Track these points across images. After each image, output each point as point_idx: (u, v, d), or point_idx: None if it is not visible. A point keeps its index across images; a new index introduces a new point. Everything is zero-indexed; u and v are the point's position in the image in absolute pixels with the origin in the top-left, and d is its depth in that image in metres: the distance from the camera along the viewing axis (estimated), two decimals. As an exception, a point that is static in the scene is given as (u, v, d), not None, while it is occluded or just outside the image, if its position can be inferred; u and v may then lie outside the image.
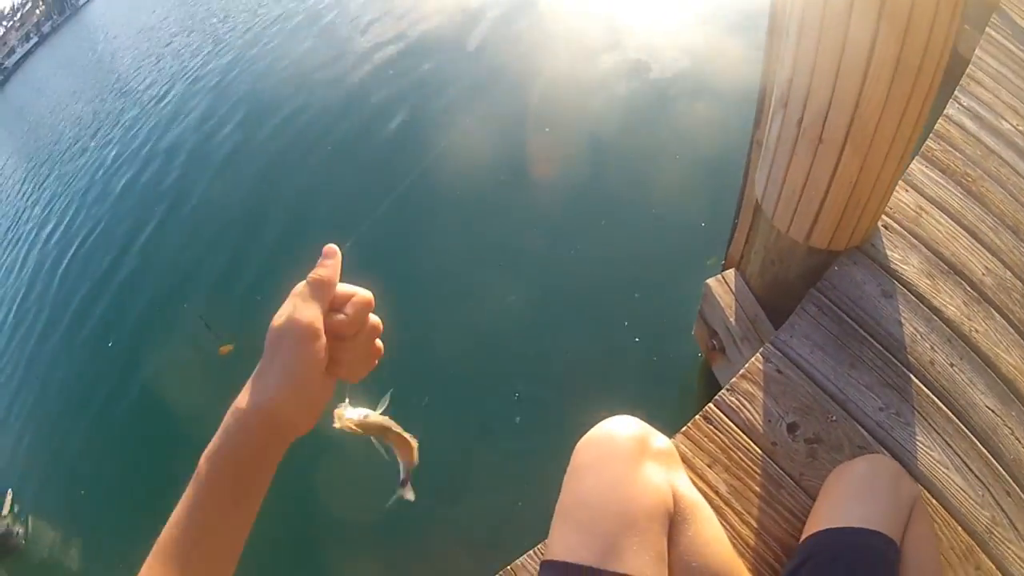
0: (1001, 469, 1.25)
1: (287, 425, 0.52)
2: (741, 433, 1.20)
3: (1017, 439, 1.31)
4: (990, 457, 1.24)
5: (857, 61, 1.04)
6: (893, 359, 1.31)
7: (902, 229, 1.50)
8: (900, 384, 1.29)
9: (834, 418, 1.24)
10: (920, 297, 1.40)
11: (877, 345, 1.32)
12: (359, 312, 0.55)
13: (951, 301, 1.43)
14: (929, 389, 1.30)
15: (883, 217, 1.50)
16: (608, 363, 2.39)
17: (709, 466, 1.15)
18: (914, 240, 1.48)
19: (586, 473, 0.86)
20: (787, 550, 1.07)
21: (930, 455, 1.24)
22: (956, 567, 1.09)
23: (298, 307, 0.52)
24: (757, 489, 1.13)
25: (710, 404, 1.22)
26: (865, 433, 1.21)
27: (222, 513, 0.51)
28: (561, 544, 0.81)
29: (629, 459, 0.86)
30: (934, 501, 1.17)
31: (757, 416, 1.21)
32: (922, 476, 1.20)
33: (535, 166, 3.43)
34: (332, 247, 0.55)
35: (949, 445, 1.24)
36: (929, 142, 1.72)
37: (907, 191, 1.57)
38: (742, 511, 1.10)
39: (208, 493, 0.51)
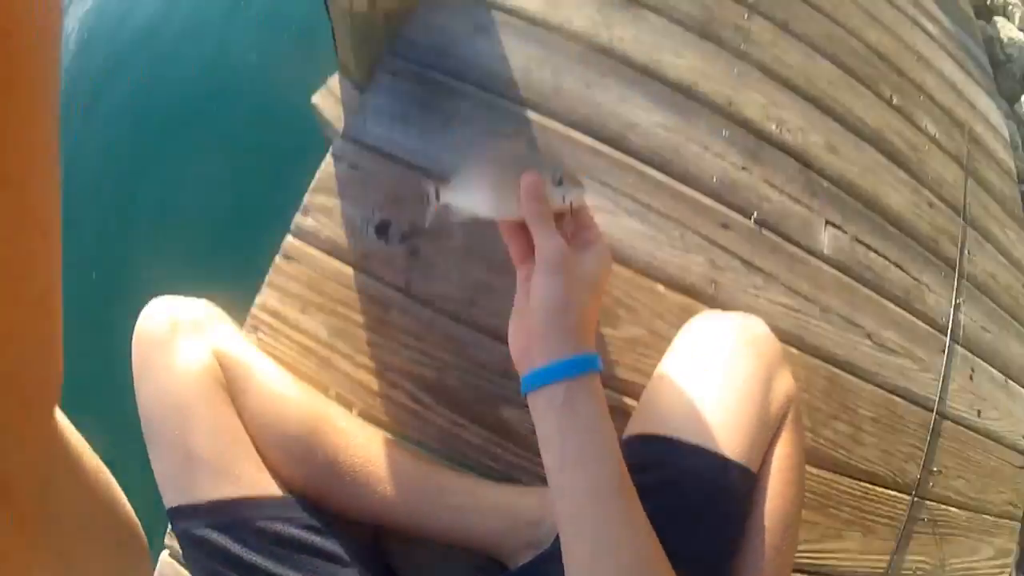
0: (698, 195, 1.07)
1: None
2: (327, 257, 0.93)
3: (706, 149, 1.11)
4: (679, 186, 1.06)
5: None
6: (501, 99, 1.04)
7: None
8: (515, 127, 1.03)
9: (434, 194, 0.95)
10: (531, 19, 1.12)
11: (474, 90, 1.04)
12: None
13: (579, 13, 1.15)
14: (560, 122, 1.04)
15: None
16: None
17: (303, 312, 0.90)
18: (515, -36, 1.24)
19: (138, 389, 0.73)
20: (417, 379, 0.88)
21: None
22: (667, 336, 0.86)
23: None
24: (361, 319, 0.90)
25: (287, 236, 0.95)
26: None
27: None
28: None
29: (161, 349, 0.72)
30: (629, 271, 0.98)
31: (340, 230, 0.94)
32: (614, 237, 0.99)
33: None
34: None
35: (610, 185, 1.02)
36: None
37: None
38: (352, 352, 0.88)
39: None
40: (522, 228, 0.53)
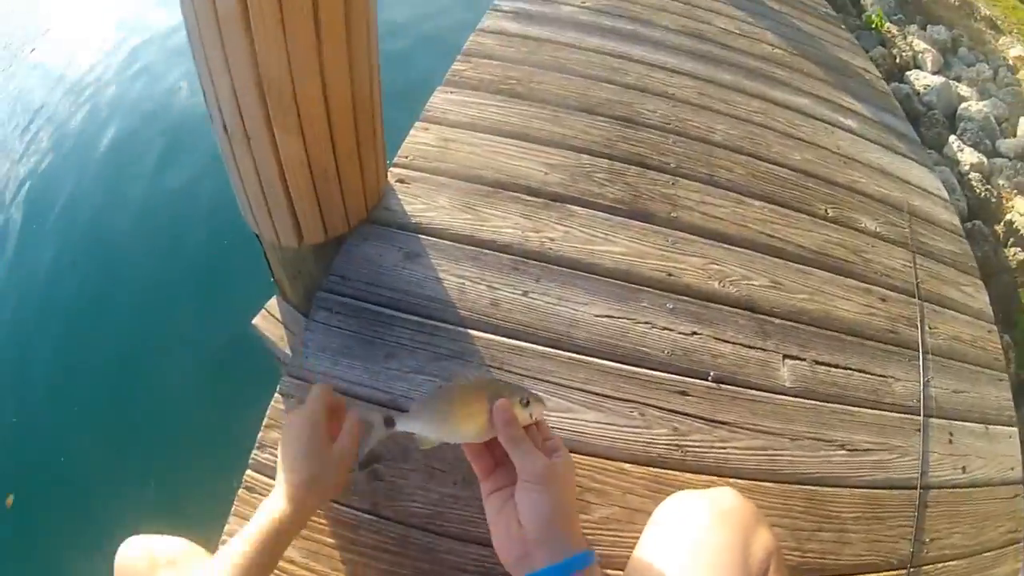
0: (651, 372, 1.10)
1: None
2: (289, 488, 0.94)
3: (652, 326, 1.16)
4: (630, 368, 1.09)
5: (234, 27, 0.82)
6: (440, 324, 1.09)
7: (423, 173, 1.30)
8: (459, 348, 1.07)
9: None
10: (458, 238, 1.19)
11: (413, 318, 1.09)
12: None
13: (505, 223, 1.23)
14: (502, 335, 1.10)
15: (394, 171, 1.29)
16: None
17: (273, 537, 0.89)
18: (441, 179, 1.28)
19: None
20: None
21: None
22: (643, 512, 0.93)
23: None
24: (333, 541, 0.91)
25: (248, 471, 0.96)
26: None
27: None
28: None
29: None
30: (593, 459, 1.00)
31: (299, 463, 0.95)
32: (570, 438, 1.00)
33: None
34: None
35: (560, 384, 1.05)
36: (455, 65, 1.55)
37: (427, 129, 1.38)
38: (327, 570, 0.89)
39: None
40: (485, 447, 0.58)
